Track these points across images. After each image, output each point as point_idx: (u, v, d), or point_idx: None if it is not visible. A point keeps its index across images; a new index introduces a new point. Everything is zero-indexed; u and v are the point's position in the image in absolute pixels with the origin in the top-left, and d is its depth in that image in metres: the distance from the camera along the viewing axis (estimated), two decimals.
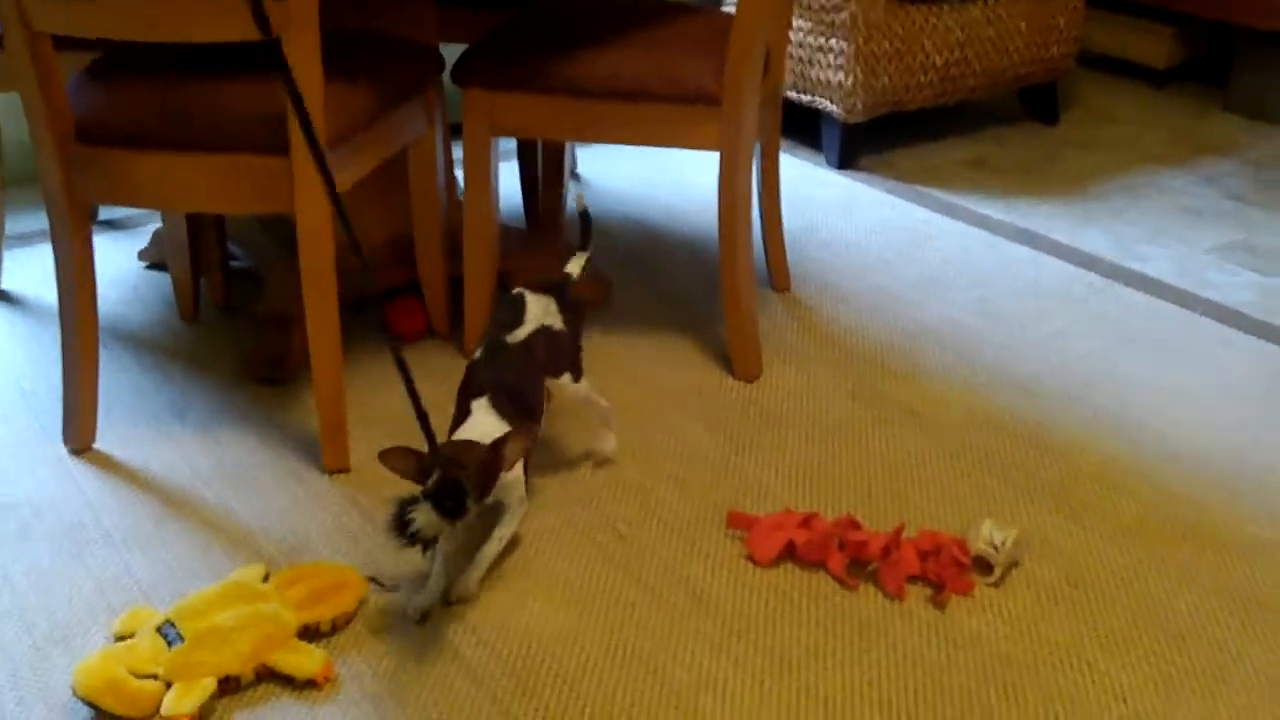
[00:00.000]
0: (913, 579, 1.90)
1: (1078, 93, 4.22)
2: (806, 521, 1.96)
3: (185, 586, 1.85)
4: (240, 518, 2.04)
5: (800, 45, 3.53)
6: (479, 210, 2.42)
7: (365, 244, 2.57)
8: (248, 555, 1.94)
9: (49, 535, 2.00)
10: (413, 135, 2.37)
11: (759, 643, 1.78)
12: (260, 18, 1.70)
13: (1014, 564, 1.93)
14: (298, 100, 1.73)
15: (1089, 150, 3.76)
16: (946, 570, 1.89)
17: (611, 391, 2.23)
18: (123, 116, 2.04)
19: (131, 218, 3.17)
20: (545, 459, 2.16)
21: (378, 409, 2.30)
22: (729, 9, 3.23)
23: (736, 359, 2.46)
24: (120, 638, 1.74)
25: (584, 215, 2.24)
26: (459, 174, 2.50)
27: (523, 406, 1.93)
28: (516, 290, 2.11)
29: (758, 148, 2.61)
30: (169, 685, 1.64)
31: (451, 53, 2.40)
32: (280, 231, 2.65)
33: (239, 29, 1.88)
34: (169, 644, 1.68)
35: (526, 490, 1.92)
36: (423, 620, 1.80)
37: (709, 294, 2.74)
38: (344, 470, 2.15)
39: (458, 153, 2.41)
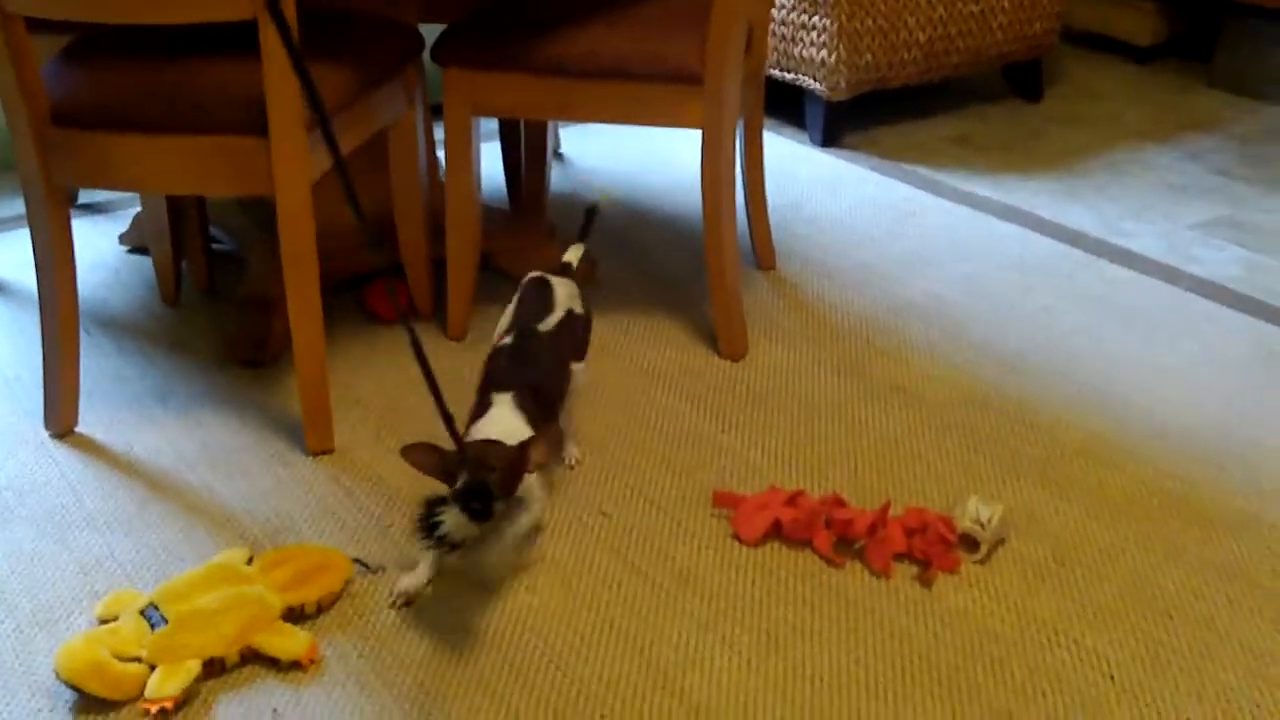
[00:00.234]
0: (899, 557, 1.89)
1: (1061, 69, 4.21)
2: (793, 500, 1.96)
3: (169, 569, 1.85)
4: (224, 500, 2.03)
5: (783, 23, 3.52)
6: (460, 191, 2.40)
7: (345, 225, 2.57)
8: (231, 537, 1.94)
9: (32, 519, 1.98)
10: (393, 116, 2.36)
11: (746, 621, 1.78)
12: None
13: (1000, 541, 1.93)
14: (300, 65, 1.70)
15: (1073, 127, 3.75)
16: (933, 548, 1.88)
17: (597, 370, 2.22)
18: (99, 99, 2.02)
19: (112, 201, 3.15)
20: None
21: (360, 390, 2.30)
22: None
23: (722, 337, 2.46)
24: (104, 620, 1.73)
25: (591, 211, 2.23)
26: (441, 154, 2.48)
27: (545, 405, 1.90)
28: (537, 275, 2.09)
29: (741, 126, 2.60)
30: (153, 668, 1.63)
31: (431, 32, 2.38)
32: (261, 213, 2.64)
33: (215, 9, 1.87)
34: (153, 627, 1.67)
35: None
36: (407, 605, 1.80)
37: (694, 273, 2.73)
38: (327, 452, 2.14)
39: (439, 133, 2.40)
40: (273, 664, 1.69)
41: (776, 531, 1.94)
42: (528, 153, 2.96)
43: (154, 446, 2.17)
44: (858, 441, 2.19)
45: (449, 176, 2.40)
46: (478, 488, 1.64)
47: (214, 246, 2.71)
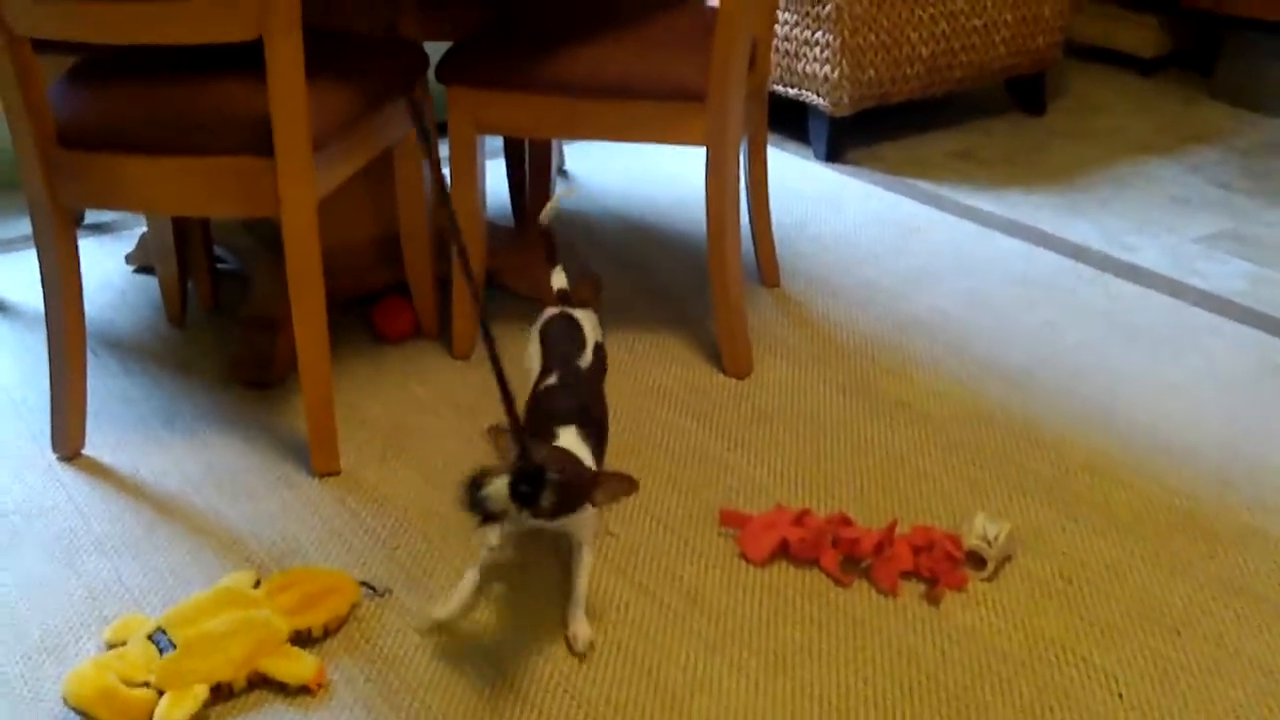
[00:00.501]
0: (906, 575, 1.89)
1: (1064, 83, 4.21)
2: (799, 519, 1.96)
3: (176, 593, 1.85)
4: (230, 523, 2.03)
5: (786, 39, 3.52)
6: (465, 209, 2.41)
7: (350, 244, 2.57)
8: (238, 560, 1.93)
9: (39, 542, 1.98)
10: (398, 134, 2.36)
11: (753, 642, 1.78)
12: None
13: (1007, 558, 1.93)
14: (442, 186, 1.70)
15: (1076, 140, 3.76)
16: (940, 565, 1.88)
17: None
18: (105, 120, 2.03)
19: (118, 221, 3.16)
20: None
21: (366, 411, 2.30)
22: (713, 3, 3.22)
23: (727, 355, 2.46)
24: (112, 645, 1.73)
25: (546, 233, 2.14)
26: (446, 173, 2.49)
27: (601, 446, 1.86)
28: (559, 310, 2.05)
29: (745, 142, 2.61)
30: (161, 693, 1.63)
31: (436, 51, 2.39)
32: (266, 233, 2.64)
33: (221, 30, 1.87)
34: (160, 651, 1.67)
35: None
36: (428, 633, 1.78)
37: (698, 290, 2.73)
38: (333, 473, 2.14)
39: (444, 152, 2.40)
40: (280, 689, 1.68)
41: (783, 551, 1.94)
42: (532, 170, 2.97)
43: (160, 469, 2.17)
44: (863, 459, 2.19)
45: (454, 194, 2.40)
46: (536, 473, 1.59)
47: (219, 266, 2.72)
